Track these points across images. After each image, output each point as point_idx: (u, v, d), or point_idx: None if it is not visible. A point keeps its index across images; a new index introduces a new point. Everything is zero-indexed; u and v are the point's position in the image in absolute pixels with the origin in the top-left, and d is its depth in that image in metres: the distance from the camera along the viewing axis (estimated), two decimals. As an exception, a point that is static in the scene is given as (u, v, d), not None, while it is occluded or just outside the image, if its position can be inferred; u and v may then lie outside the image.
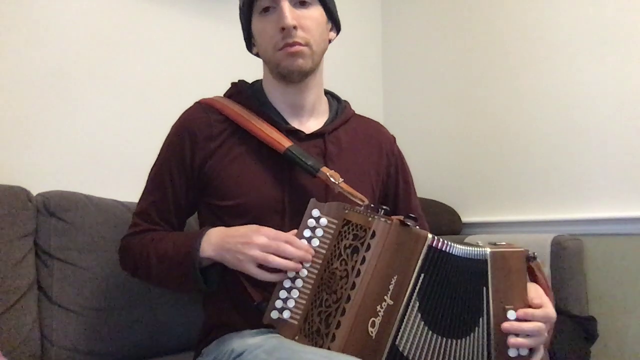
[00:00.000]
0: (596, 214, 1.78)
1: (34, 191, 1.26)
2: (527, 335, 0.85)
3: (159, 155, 1.11)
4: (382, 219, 0.88)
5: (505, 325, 0.84)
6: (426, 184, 2.18)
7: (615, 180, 1.75)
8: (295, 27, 1.01)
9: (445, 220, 2.06)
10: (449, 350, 0.86)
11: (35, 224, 1.22)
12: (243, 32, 1.13)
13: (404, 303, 0.85)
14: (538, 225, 1.90)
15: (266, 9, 1.03)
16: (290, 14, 1.00)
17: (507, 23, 2.05)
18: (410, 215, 0.90)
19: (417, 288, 0.86)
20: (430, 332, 0.86)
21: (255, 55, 1.15)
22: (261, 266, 0.92)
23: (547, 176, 1.91)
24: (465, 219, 2.12)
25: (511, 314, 0.85)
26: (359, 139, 1.17)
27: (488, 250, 0.87)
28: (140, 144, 1.58)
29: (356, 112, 1.25)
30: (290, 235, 0.93)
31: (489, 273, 0.86)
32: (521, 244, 0.90)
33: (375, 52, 2.47)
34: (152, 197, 1.09)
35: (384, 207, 0.92)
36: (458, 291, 0.87)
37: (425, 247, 0.87)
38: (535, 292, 0.90)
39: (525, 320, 0.85)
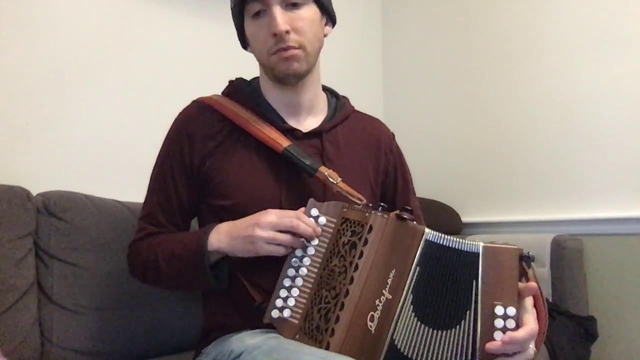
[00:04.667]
0: (596, 214, 1.78)
1: (34, 191, 1.26)
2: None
3: (158, 156, 1.11)
4: (379, 214, 0.88)
5: (489, 346, 0.83)
6: (426, 184, 2.17)
7: (615, 180, 1.75)
8: (287, 32, 0.99)
9: (445, 220, 2.06)
10: (436, 341, 0.85)
11: (35, 224, 1.22)
12: (237, 31, 1.12)
13: (402, 297, 0.85)
14: (538, 225, 1.90)
15: (257, 13, 1.02)
16: (282, 18, 0.98)
17: (507, 23, 2.05)
18: (406, 207, 0.89)
19: (413, 282, 0.86)
20: (420, 323, 0.85)
21: (251, 52, 1.14)
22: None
23: (547, 176, 1.91)
24: (465, 219, 2.12)
25: (499, 310, 0.85)
26: (358, 137, 1.16)
27: (481, 244, 0.88)
28: (140, 144, 1.58)
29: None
30: (298, 212, 0.94)
31: (480, 266, 0.87)
32: (521, 244, 0.90)
33: (376, 52, 2.47)
34: (157, 199, 1.08)
35: (382, 204, 0.92)
36: (450, 283, 0.87)
37: (423, 241, 0.87)
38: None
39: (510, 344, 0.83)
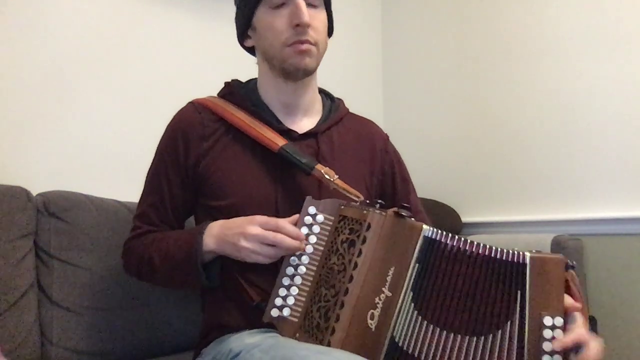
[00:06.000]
0: (596, 214, 1.78)
1: (34, 191, 1.26)
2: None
3: (154, 157, 1.12)
4: (377, 211, 0.88)
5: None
6: (426, 184, 2.17)
7: (615, 180, 1.75)
8: (308, 26, 1.02)
9: (445, 220, 2.05)
10: (462, 348, 0.84)
11: (35, 224, 1.22)
12: (240, 21, 1.11)
13: (402, 294, 0.85)
14: (538, 225, 1.90)
15: (279, 5, 1.03)
16: (306, 12, 1.01)
17: (507, 23, 2.05)
18: (404, 205, 0.89)
19: (412, 279, 0.85)
20: (427, 324, 0.84)
21: (246, 48, 1.14)
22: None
23: (547, 176, 1.91)
24: (465, 219, 2.11)
25: (547, 320, 0.84)
26: (352, 138, 1.17)
27: (528, 254, 0.86)
28: (140, 144, 1.57)
29: (355, 112, 1.25)
30: (282, 222, 0.94)
31: (528, 278, 0.85)
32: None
33: (375, 52, 2.47)
34: (151, 199, 1.09)
35: (380, 201, 0.92)
36: (472, 288, 0.85)
37: (421, 238, 0.86)
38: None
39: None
